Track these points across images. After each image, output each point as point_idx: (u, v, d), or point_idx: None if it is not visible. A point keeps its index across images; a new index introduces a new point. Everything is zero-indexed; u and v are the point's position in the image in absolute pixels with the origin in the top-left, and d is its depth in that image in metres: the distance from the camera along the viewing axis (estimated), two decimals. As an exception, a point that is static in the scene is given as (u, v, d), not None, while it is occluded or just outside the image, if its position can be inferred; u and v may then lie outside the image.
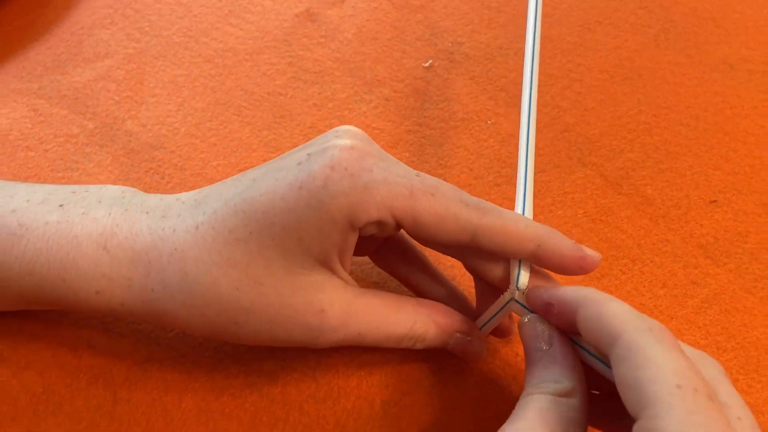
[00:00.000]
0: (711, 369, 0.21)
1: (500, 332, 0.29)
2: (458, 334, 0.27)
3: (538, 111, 0.38)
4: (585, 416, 0.22)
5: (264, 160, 0.36)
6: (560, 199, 0.35)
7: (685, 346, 0.22)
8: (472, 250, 0.26)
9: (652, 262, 0.32)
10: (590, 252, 0.25)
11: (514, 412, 0.22)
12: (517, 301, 0.26)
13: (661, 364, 0.19)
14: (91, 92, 0.38)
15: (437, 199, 0.24)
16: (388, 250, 0.29)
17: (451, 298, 0.29)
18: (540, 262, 0.25)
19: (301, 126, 0.37)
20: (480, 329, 0.28)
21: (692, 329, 0.31)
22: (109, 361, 0.29)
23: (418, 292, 0.30)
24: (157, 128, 0.37)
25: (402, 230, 0.28)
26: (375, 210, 0.23)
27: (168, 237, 0.25)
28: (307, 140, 0.37)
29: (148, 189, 0.35)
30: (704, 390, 0.19)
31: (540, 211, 0.34)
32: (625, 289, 0.32)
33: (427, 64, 0.40)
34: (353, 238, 0.25)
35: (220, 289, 0.24)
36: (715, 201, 0.34)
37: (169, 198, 0.26)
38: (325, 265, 0.25)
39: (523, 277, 0.26)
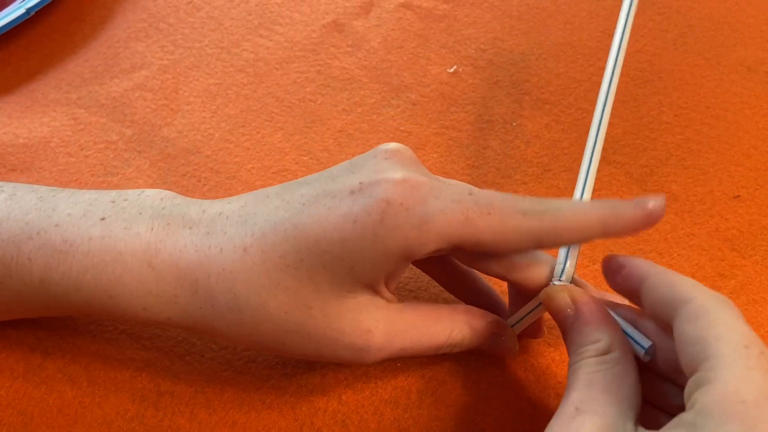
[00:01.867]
0: None
1: (532, 333, 0.30)
2: (493, 335, 0.28)
3: (562, 111, 0.39)
4: (630, 366, 0.22)
5: (296, 163, 0.37)
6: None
7: None
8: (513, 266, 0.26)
9: (679, 255, 0.33)
10: (653, 201, 0.24)
11: (567, 386, 0.23)
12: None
13: (730, 325, 0.20)
14: (128, 101, 0.40)
15: (493, 217, 0.24)
16: (430, 259, 0.30)
17: (490, 303, 0.30)
18: (611, 237, 0.25)
19: (331, 130, 0.39)
20: (513, 326, 0.29)
21: (721, 319, 0.31)
22: (152, 355, 0.30)
23: (458, 296, 0.31)
24: (192, 134, 0.38)
25: None
26: (432, 242, 0.24)
27: (215, 256, 0.24)
28: (338, 144, 0.38)
29: (185, 192, 0.36)
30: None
31: (567, 207, 0.35)
32: (654, 281, 0.32)
33: (451, 70, 0.41)
34: (405, 267, 0.25)
35: (270, 311, 0.24)
36: (738, 196, 0.35)
37: (211, 211, 0.26)
38: (371, 288, 0.25)
39: (569, 270, 0.26)
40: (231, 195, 0.36)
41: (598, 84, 0.40)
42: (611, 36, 0.42)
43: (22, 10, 0.42)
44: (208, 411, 0.29)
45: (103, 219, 0.26)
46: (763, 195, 0.35)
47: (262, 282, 0.24)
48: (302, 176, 0.37)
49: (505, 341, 0.28)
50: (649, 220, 0.24)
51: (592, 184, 0.27)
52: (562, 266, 0.26)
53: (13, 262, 0.26)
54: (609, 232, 0.24)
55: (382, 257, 0.24)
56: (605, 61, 0.41)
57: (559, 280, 0.26)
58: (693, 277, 0.32)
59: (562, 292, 0.25)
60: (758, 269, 0.32)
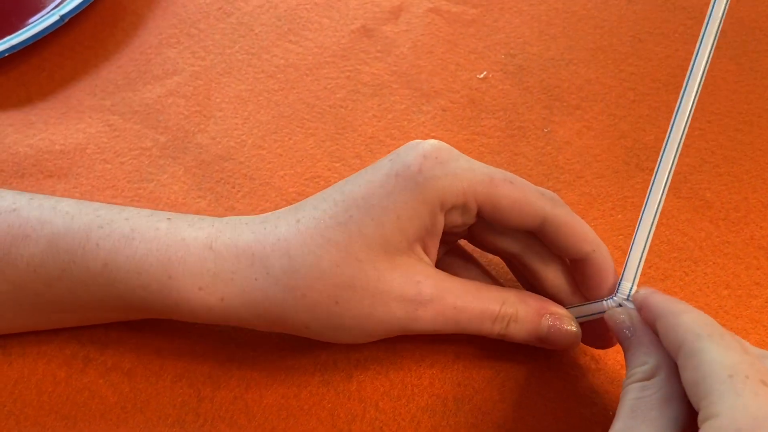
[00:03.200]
0: None
1: (602, 342, 0.29)
2: (549, 315, 0.28)
3: (594, 118, 0.39)
4: (675, 388, 0.23)
5: (328, 170, 0.38)
6: (620, 203, 0.35)
7: (751, 348, 0.23)
8: (533, 253, 0.28)
9: (714, 263, 0.33)
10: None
11: (617, 411, 0.23)
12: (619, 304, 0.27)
13: (713, 360, 0.21)
14: (162, 108, 0.40)
15: (515, 186, 0.26)
16: (451, 260, 0.31)
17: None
18: (585, 269, 0.27)
19: (362, 137, 0.39)
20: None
21: (757, 328, 0.31)
22: (192, 361, 0.31)
23: None
24: (225, 141, 0.39)
25: (462, 241, 0.30)
26: (462, 194, 0.26)
27: (270, 232, 0.27)
28: (369, 150, 0.38)
29: (219, 197, 0.37)
30: (756, 376, 0.21)
31: (600, 215, 0.35)
32: (689, 289, 0.32)
33: (481, 76, 0.41)
34: (440, 223, 0.27)
35: (323, 266, 0.26)
36: (773, 203, 0.35)
37: (265, 215, 0.29)
38: (415, 250, 0.27)
39: (625, 285, 0.27)
40: (264, 201, 0.36)
41: (630, 89, 0.40)
42: (642, 41, 0.42)
43: (56, 17, 0.42)
44: (247, 417, 0.29)
45: (169, 219, 0.28)
46: (798, 202, 0.35)
47: (315, 241, 0.26)
48: (334, 183, 0.37)
49: (562, 321, 0.28)
50: (608, 290, 0.27)
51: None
52: (629, 285, 0.27)
53: (80, 248, 0.27)
54: (592, 261, 0.27)
55: (422, 205, 0.26)
56: (636, 66, 0.41)
57: (624, 298, 0.27)
58: (728, 286, 0.32)
59: (623, 313, 0.26)
60: (794, 278, 0.32)
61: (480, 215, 0.27)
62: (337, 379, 0.30)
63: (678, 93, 0.40)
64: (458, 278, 0.28)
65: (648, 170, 0.37)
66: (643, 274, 0.33)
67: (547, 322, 0.28)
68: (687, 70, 0.41)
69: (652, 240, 0.34)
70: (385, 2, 0.44)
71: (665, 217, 0.35)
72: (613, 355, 0.31)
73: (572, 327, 0.28)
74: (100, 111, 0.40)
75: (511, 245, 0.29)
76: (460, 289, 0.27)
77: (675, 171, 0.36)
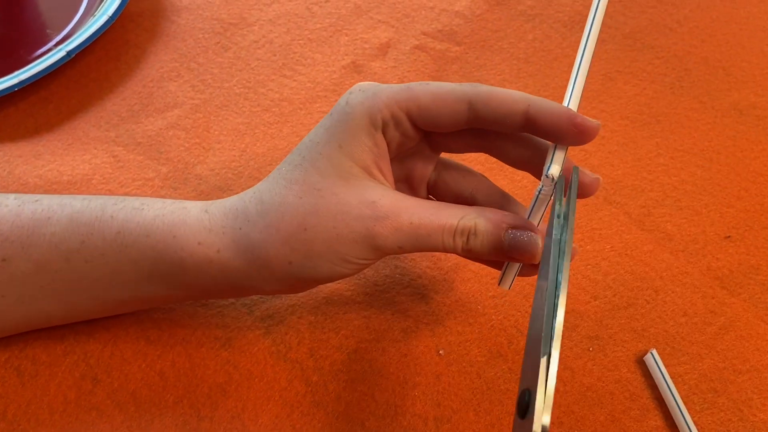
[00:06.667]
0: None
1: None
2: (507, 225, 0.29)
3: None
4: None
5: (320, 201, 0.40)
6: (589, 234, 0.38)
7: None
8: (493, 139, 0.31)
9: (673, 292, 0.36)
10: (584, 118, 0.28)
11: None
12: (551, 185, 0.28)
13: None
14: (163, 140, 0.43)
15: (431, 85, 0.29)
16: (444, 178, 0.34)
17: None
18: (535, 125, 0.28)
19: (351, 169, 0.41)
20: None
21: (711, 353, 0.34)
22: (192, 383, 0.33)
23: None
24: (223, 172, 0.41)
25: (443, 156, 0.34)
26: (385, 107, 0.29)
27: (249, 192, 0.32)
28: (358, 182, 0.41)
29: (218, 227, 0.39)
30: None
31: (571, 247, 0.38)
32: (650, 317, 0.35)
33: (463, 112, 0.44)
34: (381, 142, 0.30)
35: (288, 200, 0.30)
36: (729, 236, 0.38)
37: None
38: (369, 172, 0.30)
39: (554, 168, 0.28)
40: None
41: (601, 126, 0.43)
42: (612, 79, 0.45)
43: (63, 53, 0.45)
44: (244, 435, 0.32)
45: (172, 200, 0.33)
46: (752, 236, 0.38)
47: (280, 184, 0.30)
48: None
49: (522, 228, 0.29)
50: (574, 123, 0.28)
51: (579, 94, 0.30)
52: (558, 168, 0.28)
53: (97, 221, 0.31)
54: (534, 114, 0.28)
55: (355, 128, 0.29)
56: (606, 104, 0.44)
57: (546, 176, 0.28)
58: (685, 314, 0.35)
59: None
60: (746, 306, 0.35)
61: (414, 124, 0.30)
62: (327, 400, 0.33)
63: (644, 130, 0.43)
64: (417, 198, 0.30)
65: (615, 203, 0.40)
66: (607, 302, 0.36)
67: (507, 233, 0.29)
68: (654, 108, 0.44)
69: (619, 270, 0.37)
70: (374, 39, 0.47)
71: (629, 248, 0.38)
72: (586, 375, 0.33)
73: (531, 234, 0.29)
74: (105, 142, 0.43)
75: (468, 146, 0.32)
76: (416, 206, 0.29)
77: (640, 205, 0.40)
